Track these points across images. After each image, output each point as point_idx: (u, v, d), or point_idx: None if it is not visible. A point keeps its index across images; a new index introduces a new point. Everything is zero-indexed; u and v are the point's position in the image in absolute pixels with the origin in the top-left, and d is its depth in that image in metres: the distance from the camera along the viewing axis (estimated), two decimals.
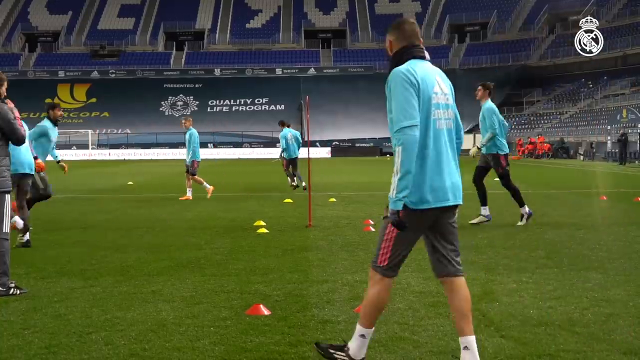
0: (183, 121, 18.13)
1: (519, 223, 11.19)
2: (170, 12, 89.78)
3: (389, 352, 4.56)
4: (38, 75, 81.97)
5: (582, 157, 49.22)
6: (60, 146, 68.26)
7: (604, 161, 43.98)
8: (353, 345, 4.22)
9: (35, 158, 10.45)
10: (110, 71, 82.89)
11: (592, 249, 8.60)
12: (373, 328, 4.22)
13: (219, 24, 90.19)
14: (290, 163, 19.79)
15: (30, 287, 6.49)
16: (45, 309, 5.73)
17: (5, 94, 6.51)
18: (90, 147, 66.43)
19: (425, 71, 4.02)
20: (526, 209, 11.28)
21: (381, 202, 15.00)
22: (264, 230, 10.54)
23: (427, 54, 4.13)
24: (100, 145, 68.88)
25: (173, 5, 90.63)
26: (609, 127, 49.65)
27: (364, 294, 6.16)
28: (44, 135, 10.90)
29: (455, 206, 4.16)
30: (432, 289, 6.36)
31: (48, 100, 77.78)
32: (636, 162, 40.20)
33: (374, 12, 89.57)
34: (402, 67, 3.98)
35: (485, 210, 11.43)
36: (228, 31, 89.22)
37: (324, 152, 60.64)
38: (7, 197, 6.41)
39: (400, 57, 4.07)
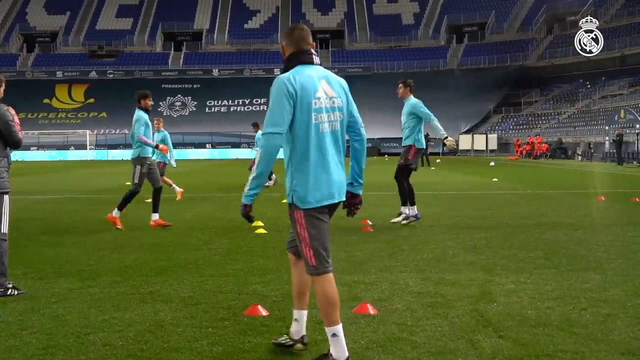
0: (155, 122, 17.86)
1: (396, 219, 11.21)
2: (168, 12, 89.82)
3: (387, 352, 4.55)
4: (36, 75, 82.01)
5: (580, 158, 49.27)
6: (59, 146, 68.55)
7: (601, 161, 44.03)
8: (332, 349, 4.24)
9: (157, 146, 10.91)
10: (108, 71, 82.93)
11: (590, 250, 8.60)
12: (340, 324, 4.27)
13: (217, 24, 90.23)
14: None
15: (28, 288, 6.48)
16: (43, 309, 5.72)
17: (2, 94, 6.50)
18: (88, 147, 66.40)
19: (308, 77, 4.21)
20: (415, 210, 11.16)
21: (380, 203, 14.98)
22: (262, 230, 10.54)
23: (316, 59, 4.33)
24: (98, 146, 68.83)
25: (171, 5, 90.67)
26: (607, 128, 49.75)
27: (361, 294, 6.18)
28: (147, 125, 11.12)
29: (338, 205, 4.45)
30: (430, 290, 6.36)
31: (46, 101, 78.09)
32: (634, 162, 40.22)
33: (372, 12, 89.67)
34: (285, 75, 4.22)
35: (413, 210, 11.21)
36: (226, 31, 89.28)
37: None
38: (6, 197, 6.41)
39: (289, 62, 4.31)
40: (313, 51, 4.35)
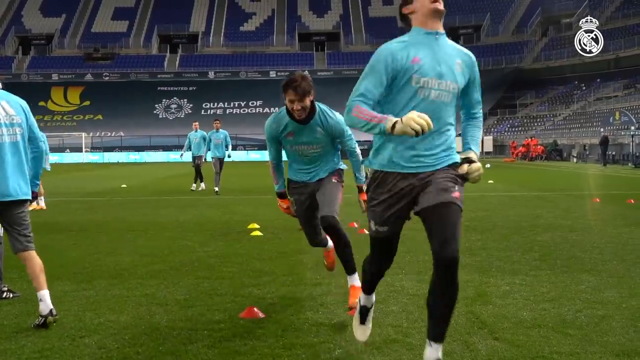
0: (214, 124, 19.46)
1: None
2: (164, 14, 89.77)
3: (383, 354, 4.56)
4: (32, 78, 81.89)
5: (575, 159, 49.34)
6: (54, 149, 68.33)
7: (597, 163, 44.07)
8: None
9: None
10: (104, 74, 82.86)
11: (585, 251, 8.62)
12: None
13: (212, 26, 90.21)
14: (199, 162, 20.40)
15: (23, 291, 6.47)
16: (38, 312, 5.70)
17: None
18: (83, 150, 66.30)
19: None
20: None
21: None
22: (257, 233, 10.53)
23: None
24: (93, 148, 68.73)
25: (167, 8, 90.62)
26: (602, 130, 49.80)
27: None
28: None
29: (19, 202, 5.40)
30: (426, 292, 6.35)
31: (41, 103, 78.03)
32: (629, 164, 40.30)
33: (367, 14, 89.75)
34: None
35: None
36: (222, 34, 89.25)
37: None
38: None
39: None
40: None
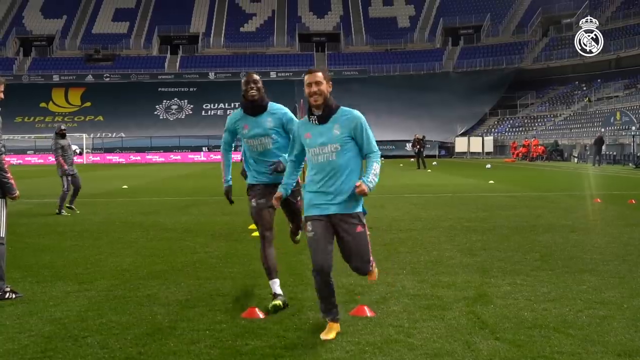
0: None
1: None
2: (164, 16, 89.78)
3: (384, 354, 4.57)
4: (32, 79, 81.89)
5: (576, 160, 49.31)
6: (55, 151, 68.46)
7: (596, 163, 44.02)
8: None
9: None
10: (105, 75, 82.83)
11: (586, 252, 8.63)
12: None
13: (213, 27, 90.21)
14: None
15: (25, 291, 6.49)
16: (40, 313, 5.73)
17: (2, 96, 6.50)
18: (84, 151, 66.32)
19: None
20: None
21: (375, 205, 14.98)
22: (258, 233, 10.53)
23: None
24: (94, 149, 68.75)
25: (167, 9, 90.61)
26: (602, 130, 49.79)
27: (358, 296, 6.19)
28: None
29: None
30: (427, 292, 6.38)
31: (42, 105, 78.10)
32: (630, 164, 40.28)
33: (367, 15, 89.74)
34: None
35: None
36: (222, 35, 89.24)
37: None
38: (3, 201, 6.42)
39: None
40: None
